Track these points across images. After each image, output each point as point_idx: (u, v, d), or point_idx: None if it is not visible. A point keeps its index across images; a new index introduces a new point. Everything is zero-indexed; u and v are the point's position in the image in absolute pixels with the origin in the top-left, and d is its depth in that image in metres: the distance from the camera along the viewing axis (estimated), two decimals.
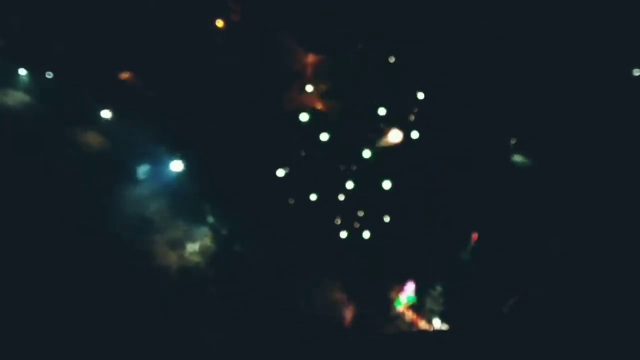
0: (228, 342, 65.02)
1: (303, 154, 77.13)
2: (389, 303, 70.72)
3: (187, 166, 78.70)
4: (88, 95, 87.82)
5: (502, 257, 72.38)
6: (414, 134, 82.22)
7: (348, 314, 71.15)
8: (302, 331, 67.64)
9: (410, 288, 69.75)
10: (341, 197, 76.45)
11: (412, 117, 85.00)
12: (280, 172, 77.89)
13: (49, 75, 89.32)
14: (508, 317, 70.45)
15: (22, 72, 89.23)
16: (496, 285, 70.51)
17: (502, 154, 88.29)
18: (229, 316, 67.28)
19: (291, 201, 76.53)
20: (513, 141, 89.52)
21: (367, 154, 75.53)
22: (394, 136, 76.79)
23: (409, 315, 69.64)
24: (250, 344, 65.04)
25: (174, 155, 78.85)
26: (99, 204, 77.01)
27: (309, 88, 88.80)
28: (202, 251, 74.07)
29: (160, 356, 65.64)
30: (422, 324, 68.69)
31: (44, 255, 72.94)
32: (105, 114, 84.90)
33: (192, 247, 74.03)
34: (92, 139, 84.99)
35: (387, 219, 73.16)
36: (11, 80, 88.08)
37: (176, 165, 78.33)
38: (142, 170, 78.96)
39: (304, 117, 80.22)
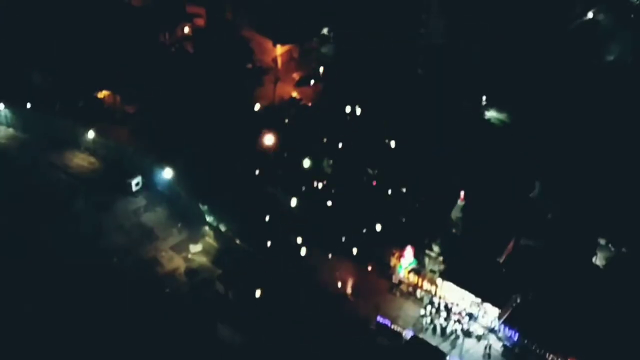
0: (242, 336, 66.50)
1: (289, 142, 78.82)
2: (392, 269, 72.71)
3: (177, 171, 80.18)
4: (70, 119, 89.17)
5: (491, 211, 74.51)
6: (391, 106, 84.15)
7: (353, 283, 72.71)
8: (309, 317, 69.01)
9: (409, 253, 71.92)
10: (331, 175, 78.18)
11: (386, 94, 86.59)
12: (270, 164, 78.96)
13: (29, 105, 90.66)
14: (504, 267, 72.50)
15: (1, 106, 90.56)
16: (489, 238, 72.61)
17: (476, 111, 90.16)
18: (240, 311, 68.66)
19: (282, 189, 78.32)
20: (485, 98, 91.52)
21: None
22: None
23: (412, 278, 71.78)
24: (262, 335, 66.60)
25: (163, 163, 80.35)
26: (97, 220, 78.49)
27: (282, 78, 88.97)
28: (206, 250, 75.67)
29: (178, 354, 66.94)
30: (425, 285, 70.79)
31: (54, 276, 74.06)
32: (90, 134, 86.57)
33: (195, 248, 75.56)
34: (81, 159, 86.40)
35: (378, 190, 75.23)
36: None
37: (167, 173, 79.86)
38: (135, 182, 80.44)
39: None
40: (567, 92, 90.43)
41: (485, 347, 68.41)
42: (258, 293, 71.54)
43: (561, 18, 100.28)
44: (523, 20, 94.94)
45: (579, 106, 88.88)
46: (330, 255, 75.48)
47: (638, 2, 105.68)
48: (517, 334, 67.68)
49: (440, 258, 72.73)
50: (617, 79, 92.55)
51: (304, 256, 75.02)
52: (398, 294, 73.04)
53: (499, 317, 68.90)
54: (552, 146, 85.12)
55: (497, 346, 68.34)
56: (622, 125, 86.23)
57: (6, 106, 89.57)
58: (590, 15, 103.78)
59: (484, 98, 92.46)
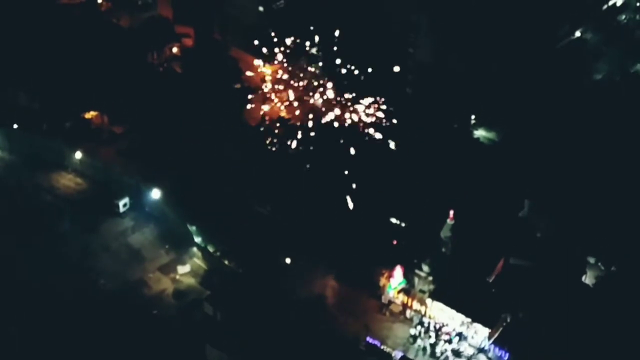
0: (231, 357, 66.03)
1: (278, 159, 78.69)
2: (381, 289, 72.40)
3: (165, 192, 79.74)
4: (57, 140, 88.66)
5: (480, 231, 74.36)
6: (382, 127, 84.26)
7: (343, 303, 72.46)
8: (298, 336, 68.64)
9: (399, 273, 71.65)
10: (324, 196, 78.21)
11: (375, 111, 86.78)
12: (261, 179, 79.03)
13: (15, 126, 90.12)
14: (494, 286, 72.25)
15: None
16: (478, 258, 72.43)
17: (465, 130, 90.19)
18: (229, 332, 68.23)
19: (269, 207, 78.18)
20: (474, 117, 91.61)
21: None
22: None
23: (401, 298, 71.44)
24: (251, 356, 66.16)
25: (151, 183, 79.89)
26: (84, 241, 77.91)
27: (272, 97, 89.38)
28: (194, 271, 75.14)
29: None
30: (415, 305, 70.46)
31: (40, 298, 73.40)
32: (78, 155, 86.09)
33: (183, 269, 75.02)
34: (68, 180, 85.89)
35: (368, 208, 75.12)
36: None
37: (155, 193, 79.37)
38: (123, 203, 79.90)
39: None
40: (555, 111, 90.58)
41: None
42: (246, 314, 71.23)
43: (549, 37, 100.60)
44: (511, 39, 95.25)
45: (568, 124, 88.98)
46: (319, 276, 75.60)
47: (625, 20, 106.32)
48: (507, 354, 67.39)
49: (430, 278, 72.59)
50: (605, 98, 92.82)
51: (293, 276, 74.77)
52: (388, 314, 72.74)
53: (489, 337, 68.58)
54: (541, 165, 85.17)
55: None
56: (611, 143, 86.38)
57: None
58: (578, 34, 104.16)
59: (472, 117, 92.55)
